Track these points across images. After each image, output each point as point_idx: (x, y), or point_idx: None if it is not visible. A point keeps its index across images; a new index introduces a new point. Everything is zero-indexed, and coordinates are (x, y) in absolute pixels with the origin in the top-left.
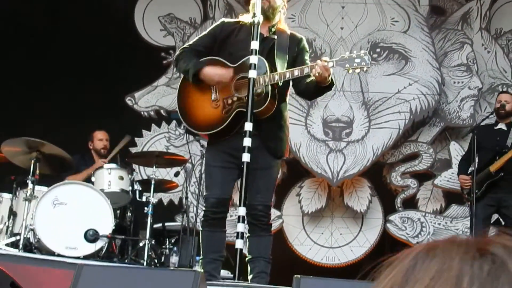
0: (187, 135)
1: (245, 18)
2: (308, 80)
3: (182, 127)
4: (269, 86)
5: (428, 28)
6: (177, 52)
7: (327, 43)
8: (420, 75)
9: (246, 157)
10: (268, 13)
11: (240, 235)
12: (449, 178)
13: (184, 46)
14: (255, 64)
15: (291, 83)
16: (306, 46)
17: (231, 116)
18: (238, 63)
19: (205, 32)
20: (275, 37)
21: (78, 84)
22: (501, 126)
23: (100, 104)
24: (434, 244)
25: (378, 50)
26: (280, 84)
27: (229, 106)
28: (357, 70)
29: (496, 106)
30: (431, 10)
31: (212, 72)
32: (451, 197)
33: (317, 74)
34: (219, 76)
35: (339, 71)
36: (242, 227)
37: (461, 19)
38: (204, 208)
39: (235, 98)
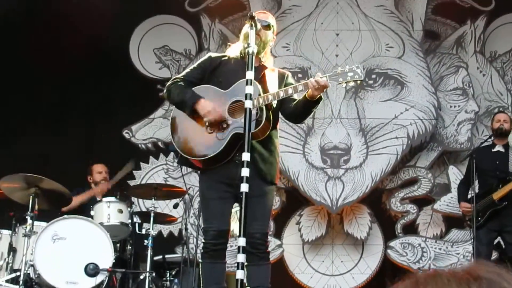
0: (182, 167)
1: (232, 52)
2: (295, 102)
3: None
4: (264, 108)
5: (423, 53)
6: (168, 83)
7: (323, 70)
8: (416, 100)
9: (244, 187)
10: (259, 47)
11: (240, 266)
12: (448, 203)
13: (176, 77)
14: (250, 94)
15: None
16: (293, 80)
17: (227, 140)
18: (230, 88)
19: (194, 65)
20: (266, 66)
21: (75, 118)
22: (499, 148)
23: (97, 138)
24: (424, 276)
25: (373, 76)
26: (275, 105)
27: (223, 129)
28: (351, 84)
29: (495, 126)
30: (425, 35)
31: (206, 103)
32: (451, 222)
33: (311, 88)
34: (212, 107)
35: (336, 97)
36: (242, 258)
37: (455, 43)
38: (203, 240)
39: (230, 122)
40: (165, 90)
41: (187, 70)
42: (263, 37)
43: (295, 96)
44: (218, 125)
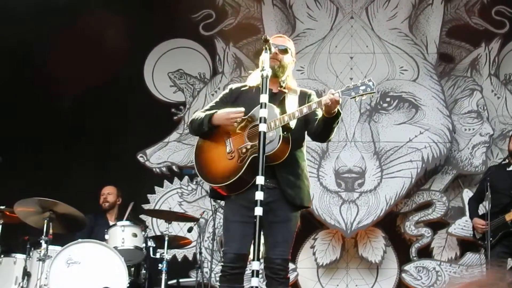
0: (202, 189)
1: (252, 81)
2: (317, 121)
3: (194, 183)
4: (280, 129)
5: (437, 75)
6: (192, 117)
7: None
8: (431, 123)
9: (258, 211)
10: (278, 72)
11: None
12: (463, 226)
13: (197, 111)
14: (265, 118)
15: (305, 132)
16: (316, 98)
17: (247, 163)
18: (250, 113)
19: (216, 99)
20: (286, 91)
21: (90, 142)
22: None
23: (112, 162)
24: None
25: (388, 99)
26: (292, 126)
27: (243, 154)
28: (364, 97)
29: (511, 148)
30: (440, 57)
31: (224, 111)
32: (465, 245)
33: (325, 104)
34: (233, 113)
35: (350, 121)
36: (256, 282)
37: (470, 66)
38: (222, 263)
39: (249, 146)
40: (188, 125)
41: (210, 104)
42: (281, 61)
43: (319, 115)
44: (238, 148)
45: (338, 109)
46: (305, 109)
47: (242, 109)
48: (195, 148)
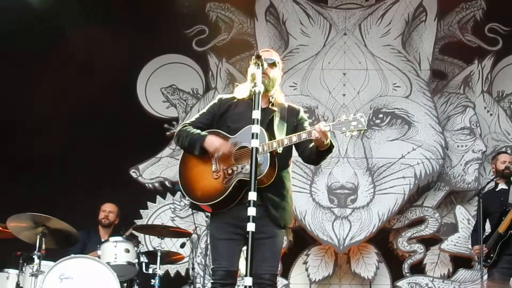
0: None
1: (240, 94)
2: (310, 145)
3: (187, 199)
4: (268, 154)
5: (430, 92)
6: (178, 128)
7: (330, 110)
8: (423, 139)
9: (251, 227)
10: (268, 86)
11: None
12: (455, 242)
13: (184, 123)
14: (257, 134)
15: (294, 152)
16: (305, 116)
17: (232, 185)
18: (237, 134)
19: (204, 110)
20: (275, 109)
21: (82, 157)
22: (502, 186)
23: (105, 177)
24: None
25: (380, 115)
26: (280, 151)
27: (229, 176)
28: (354, 133)
29: (500, 167)
30: (433, 74)
31: (214, 139)
32: (458, 262)
33: (315, 138)
34: (220, 143)
35: (343, 137)
36: None
37: (462, 83)
38: (212, 281)
39: (235, 168)
40: (174, 136)
41: (197, 115)
42: (270, 74)
43: (307, 129)
44: (224, 168)
45: (331, 141)
46: (294, 138)
47: (229, 144)
48: (180, 162)
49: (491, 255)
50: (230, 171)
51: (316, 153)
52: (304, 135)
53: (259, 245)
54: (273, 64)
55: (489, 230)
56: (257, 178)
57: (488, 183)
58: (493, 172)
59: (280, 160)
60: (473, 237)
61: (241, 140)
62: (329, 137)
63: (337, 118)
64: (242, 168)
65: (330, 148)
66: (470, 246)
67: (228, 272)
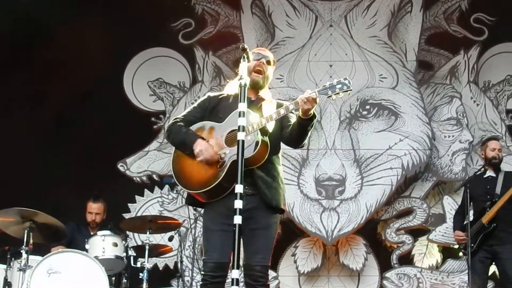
0: (182, 198)
1: (230, 90)
2: (291, 125)
3: (175, 192)
4: (259, 133)
5: (417, 83)
6: (168, 124)
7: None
8: (410, 130)
9: (237, 219)
10: (263, 83)
11: None
12: (443, 233)
13: (176, 117)
14: (243, 126)
15: (282, 145)
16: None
17: (226, 168)
18: (226, 119)
19: (194, 105)
20: (264, 98)
21: (69, 151)
22: (490, 173)
23: (92, 171)
24: None
25: (367, 107)
26: (270, 129)
27: (222, 160)
28: (341, 95)
29: (489, 155)
30: (419, 65)
31: (199, 144)
32: (446, 252)
33: (301, 105)
34: (205, 147)
35: (330, 129)
36: None
37: (449, 73)
38: (202, 272)
39: (227, 151)
40: (165, 131)
41: (187, 109)
42: (266, 72)
43: (292, 120)
44: (215, 159)
45: (314, 112)
46: (282, 111)
47: (214, 155)
48: (173, 154)
49: (472, 244)
50: (222, 155)
51: (298, 125)
52: (291, 106)
53: (252, 236)
54: (268, 63)
55: (472, 217)
56: (250, 156)
57: (475, 172)
58: (481, 158)
59: (272, 143)
60: (455, 220)
61: (230, 125)
62: (315, 105)
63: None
64: (233, 151)
65: (312, 117)
66: (448, 221)
67: (219, 264)
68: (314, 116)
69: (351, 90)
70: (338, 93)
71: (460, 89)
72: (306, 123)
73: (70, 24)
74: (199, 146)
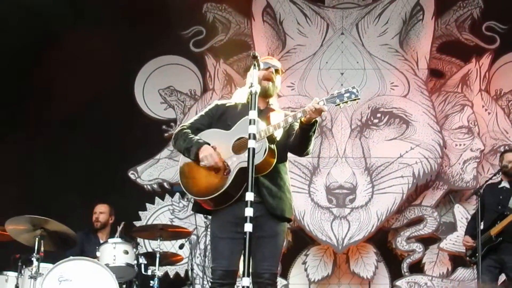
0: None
1: (238, 98)
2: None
3: (185, 199)
4: (266, 141)
5: (428, 91)
6: (176, 130)
7: (328, 110)
8: (421, 138)
9: (248, 227)
10: (272, 91)
11: None
12: (454, 241)
13: (183, 124)
14: (254, 134)
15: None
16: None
17: (233, 175)
18: (234, 126)
19: (201, 112)
20: (273, 108)
21: (80, 159)
22: (505, 184)
23: (103, 179)
24: None
25: (378, 115)
26: (277, 137)
27: (229, 167)
28: (348, 104)
29: (506, 166)
30: (430, 73)
31: (208, 152)
32: (457, 261)
33: (309, 114)
34: (210, 153)
35: (341, 137)
36: None
37: (460, 81)
38: (211, 280)
39: (234, 159)
40: (172, 138)
41: (196, 117)
42: (275, 80)
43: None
44: (223, 163)
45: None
46: (290, 119)
47: (219, 162)
48: (180, 161)
49: (476, 253)
50: (230, 162)
51: (300, 131)
52: (299, 114)
53: (259, 244)
54: (277, 72)
55: (482, 225)
56: (257, 164)
57: (486, 181)
58: (498, 167)
59: (279, 151)
60: (469, 225)
61: (238, 132)
62: (323, 112)
63: (331, 93)
64: (240, 158)
65: (314, 123)
66: (459, 229)
67: (227, 272)
68: (315, 121)
69: (359, 99)
70: (346, 102)
71: (472, 97)
72: (308, 128)
73: (81, 32)
74: (204, 152)
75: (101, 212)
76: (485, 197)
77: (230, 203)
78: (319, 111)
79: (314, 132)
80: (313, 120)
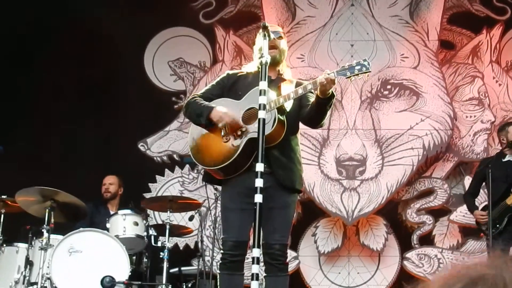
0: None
1: (249, 68)
2: (311, 103)
3: (195, 171)
4: (276, 111)
5: (438, 63)
6: (187, 100)
7: (338, 81)
8: (432, 110)
9: (258, 198)
10: (279, 58)
11: (255, 277)
12: (464, 213)
13: (194, 94)
14: (264, 105)
15: (301, 125)
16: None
17: (242, 145)
18: (244, 96)
19: (213, 82)
20: (285, 77)
21: (89, 131)
22: (509, 158)
23: (113, 151)
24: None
25: (388, 87)
26: (287, 109)
27: (238, 137)
28: (359, 76)
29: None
30: (441, 44)
31: (219, 108)
32: (467, 232)
33: (320, 86)
34: (224, 112)
35: (350, 109)
36: (256, 269)
37: (471, 53)
38: (221, 251)
39: (244, 129)
40: (183, 107)
41: (207, 87)
42: (280, 46)
43: (311, 100)
44: (233, 132)
45: (332, 91)
46: (300, 90)
47: (240, 121)
48: (190, 131)
49: (497, 225)
50: (239, 133)
51: (316, 104)
52: (309, 86)
53: (270, 215)
54: (279, 37)
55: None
56: (267, 134)
57: (497, 154)
58: (500, 144)
59: (289, 122)
60: (468, 201)
61: (248, 102)
62: (334, 85)
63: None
64: (250, 128)
65: (331, 97)
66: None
67: (238, 243)
68: (332, 95)
69: (370, 71)
70: (357, 75)
71: (482, 69)
72: (324, 102)
73: (89, 5)
74: (217, 113)
75: (110, 183)
76: (491, 172)
77: (240, 172)
78: (329, 83)
79: (330, 106)
80: (329, 93)
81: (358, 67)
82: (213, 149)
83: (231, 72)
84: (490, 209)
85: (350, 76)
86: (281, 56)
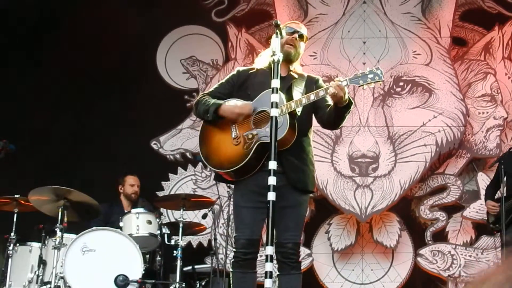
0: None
1: (260, 63)
2: (329, 108)
3: (208, 169)
4: (288, 116)
5: (450, 59)
6: (197, 98)
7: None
8: (444, 107)
9: (271, 196)
10: (294, 57)
11: (268, 275)
12: (478, 210)
13: (203, 93)
14: (276, 103)
15: (314, 122)
16: (323, 84)
17: (253, 149)
18: (255, 98)
19: (222, 81)
20: (295, 75)
21: (102, 129)
22: None
23: (125, 149)
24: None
25: (401, 83)
26: (298, 113)
27: (249, 140)
28: (372, 85)
29: None
30: (453, 41)
31: (231, 104)
32: (480, 229)
33: (332, 94)
34: (240, 108)
35: (363, 106)
36: (270, 267)
37: (483, 49)
38: (234, 249)
39: (255, 132)
40: (193, 106)
41: (216, 85)
42: (298, 48)
43: (330, 101)
44: (243, 136)
45: (349, 98)
46: (312, 96)
47: (250, 106)
48: (200, 132)
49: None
50: (250, 136)
51: (335, 111)
52: (321, 93)
53: (282, 214)
54: (301, 37)
55: (505, 193)
56: (277, 140)
57: (510, 149)
58: None
59: (300, 126)
60: (487, 191)
61: (259, 105)
62: (347, 92)
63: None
64: (261, 132)
65: (348, 104)
66: (482, 197)
67: (250, 241)
68: (350, 102)
69: (382, 80)
70: (369, 83)
71: (495, 65)
72: (343, 110)
73: (104, 2)
74: (231, 107)
75: (138, 185)
76: (507, 166)
77: (251, 174)
78: (340, 92)
79: (349, 112)
80: (346, 100)
81: (371, 75)
82: (223, 151)
83: (241, 69)
84: (503, 203)
85: (363, 85)
86: (295, 56)
